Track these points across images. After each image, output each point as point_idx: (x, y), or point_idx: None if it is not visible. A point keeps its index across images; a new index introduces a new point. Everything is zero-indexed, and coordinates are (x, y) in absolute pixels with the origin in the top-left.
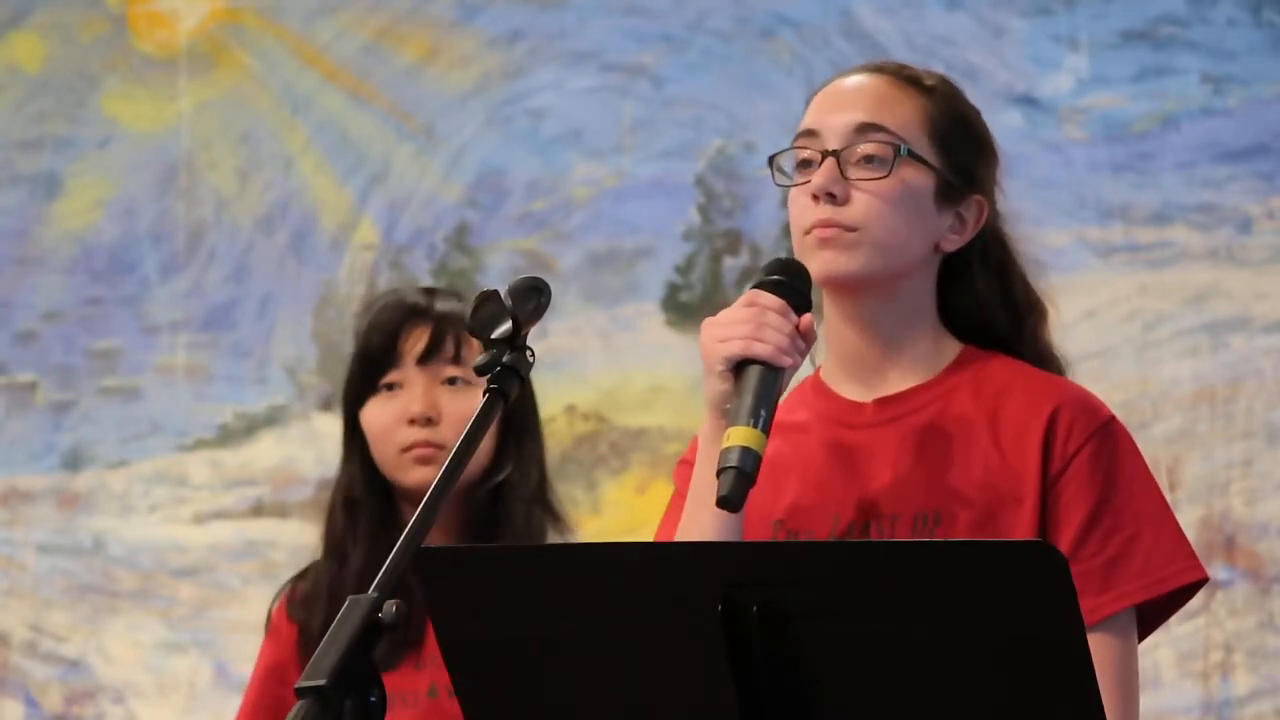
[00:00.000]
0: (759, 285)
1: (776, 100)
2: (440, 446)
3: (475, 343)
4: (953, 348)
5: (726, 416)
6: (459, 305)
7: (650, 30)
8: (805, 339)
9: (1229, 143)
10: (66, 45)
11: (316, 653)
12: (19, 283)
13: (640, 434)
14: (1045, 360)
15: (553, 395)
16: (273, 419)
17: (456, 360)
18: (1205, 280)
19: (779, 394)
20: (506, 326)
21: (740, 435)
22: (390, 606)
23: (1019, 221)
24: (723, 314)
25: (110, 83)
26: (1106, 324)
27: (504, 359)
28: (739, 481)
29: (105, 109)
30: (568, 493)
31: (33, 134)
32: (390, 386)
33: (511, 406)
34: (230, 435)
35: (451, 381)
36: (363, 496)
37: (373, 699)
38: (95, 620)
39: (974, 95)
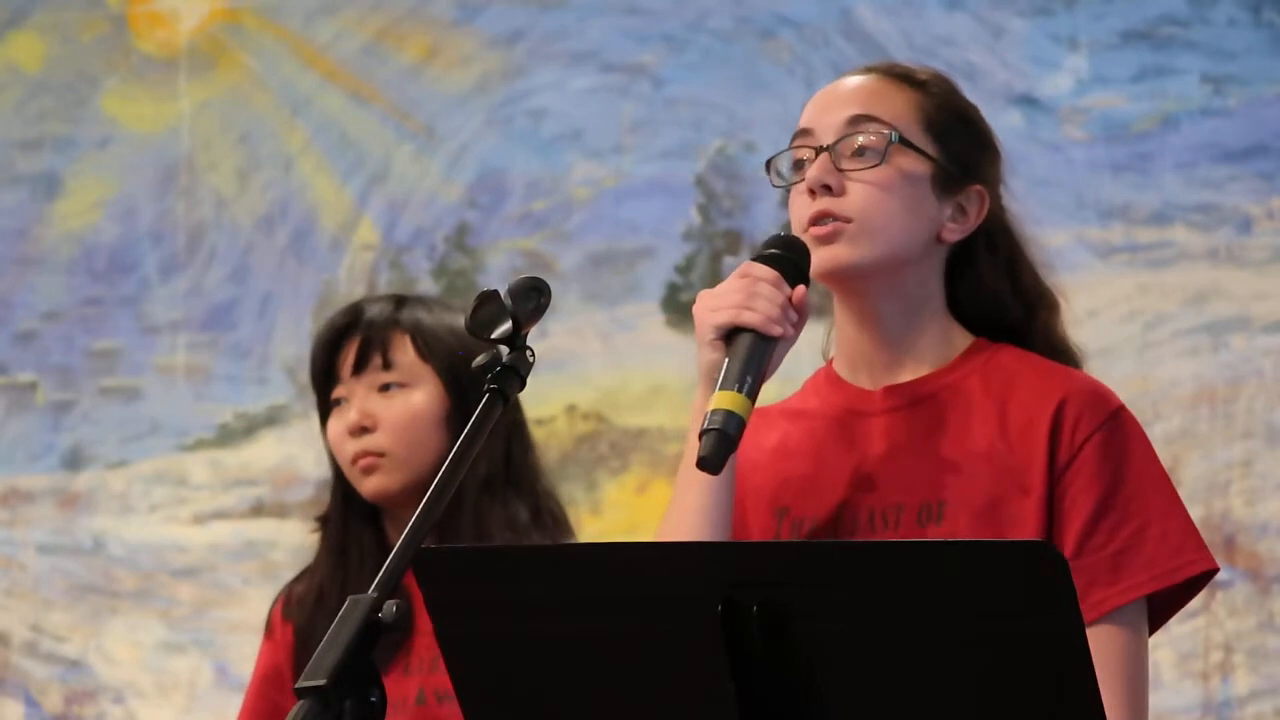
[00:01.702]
0: (755, 258)
1: (776, 100)
2: (380, 454)
3: (408, 344)
4: (963, 339)
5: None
6: (388, 308)
7: (650, 30)
8: (798, 311)
9: (1229, 143)
10: (66, 45)
11: (317, 652)
12: (19, 283)
13: (640, 434)
14: (1059, 352)
15: (553, 395)
16: (273, 419)
17: (387, 367)
18: (1205, 280)
19: (770, 365)
20: (506, 326)
21: (724, 399)
22: (390, 606)
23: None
24: (718, 286)
25: (110, 83)
26: (1106, 324)
27: (504, 359)
28: (720, 443)
29: (105, 109)
30: (568, 493)
31: (33, 134)
32: (338, 402)
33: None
34: (230, 435)
35: (385, 388)
36: (339, 512)
37: (373, 699)
38: (95, 620)
39: (974, 95)
